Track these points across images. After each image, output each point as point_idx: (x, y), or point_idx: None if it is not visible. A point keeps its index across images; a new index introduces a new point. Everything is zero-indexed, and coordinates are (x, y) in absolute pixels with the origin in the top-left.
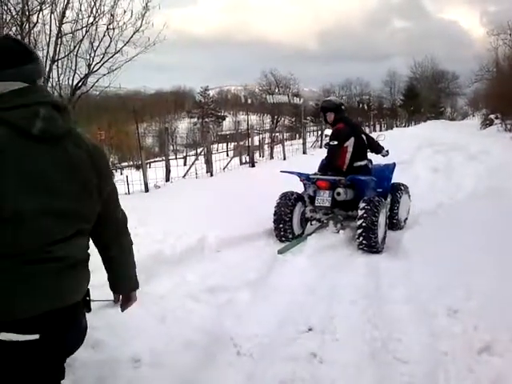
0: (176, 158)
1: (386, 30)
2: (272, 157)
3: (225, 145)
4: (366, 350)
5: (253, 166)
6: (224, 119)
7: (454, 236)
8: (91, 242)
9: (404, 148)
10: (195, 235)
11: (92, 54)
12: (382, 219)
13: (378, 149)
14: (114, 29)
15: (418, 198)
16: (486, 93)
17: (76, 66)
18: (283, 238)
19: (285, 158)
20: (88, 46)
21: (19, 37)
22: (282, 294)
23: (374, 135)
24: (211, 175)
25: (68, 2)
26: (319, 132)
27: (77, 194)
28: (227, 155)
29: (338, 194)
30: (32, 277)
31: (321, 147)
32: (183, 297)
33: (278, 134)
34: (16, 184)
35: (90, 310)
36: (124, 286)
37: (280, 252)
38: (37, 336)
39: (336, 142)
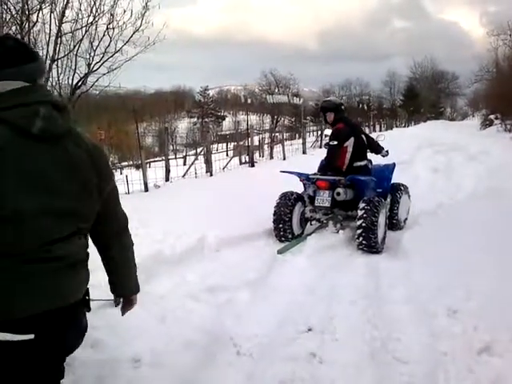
0: (176, 158)
1: (386, 30)
2: (272, 157)
3: (224, 145)
4: (365, 350)
5: (252, 165)
6: (224, 119)
7: (453, 236)
8: (91, 243)
9: (404, 148)
10: (195, 235)
11: (92, 54)
12: (381, 219)
13: (377, 149)
14: (113, 28)
15: (418, 199)
16: (486, 93)
17: (76, 65)
18: (283, 238)
19: (284, 158)
20: (88, 45)
21: (19, 36)
22: (281, 294)
23: (373, 135)
24: (211, 175)
25: (68, 2)
26: (319, 132)
27: (77, 193)
28: (227, 155)
29: (338, 194)
30: (31, 276)
31: (320, 147)
32: (183, 297)
33: (277, 133)
34: (16, 183)
35: (89, 309)
36: (125, 289)
37: (279, 252)
38: (32, 336)
39: (336, 142)
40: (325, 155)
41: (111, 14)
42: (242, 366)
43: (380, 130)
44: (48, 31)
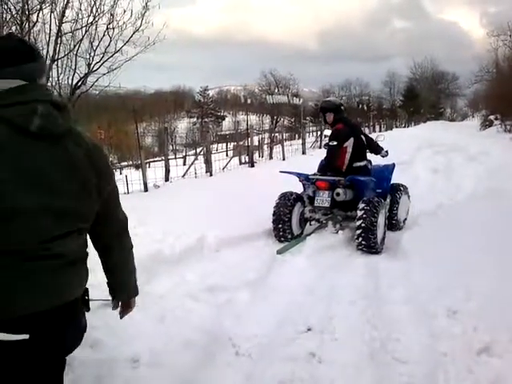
0: (175, 158)
1: (386, 31)
2: (271, 157)
3: (224, 145)
4: (364, 350)
5: (252, 166)
6: (223, 119)
7: (453, 237)
8: (90, 243)
9: (403, 149)
10: (194, 235)
11: (92, 54)
12: (381, 220)
13: (377, 149)
14: (113, 28)
15: (418, 199)
16: (486, 94)
17: (76, 65)
18: (282, 239)
19: (284, 159)
20: (88, 45)
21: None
22: (281, 294)
23: (373, 136)
24: (210, 175)
25: (68, 2)
26: (318, 132)
27: (76, 193)
28: (226, 155)
29: (338, 194)
30: (32, 274)
31: (320, 147)
32: (182, 296)
33: (277, 134)
34: (14, 181)
35: (88, 309)
36: (124, 292)
37: (279, 252)
38: (26, 336)
39: (335, 143)
40: (324, 155)
41: (111, 14)
42: (241, 366)
43: (380, 131)
44: (48, 31)
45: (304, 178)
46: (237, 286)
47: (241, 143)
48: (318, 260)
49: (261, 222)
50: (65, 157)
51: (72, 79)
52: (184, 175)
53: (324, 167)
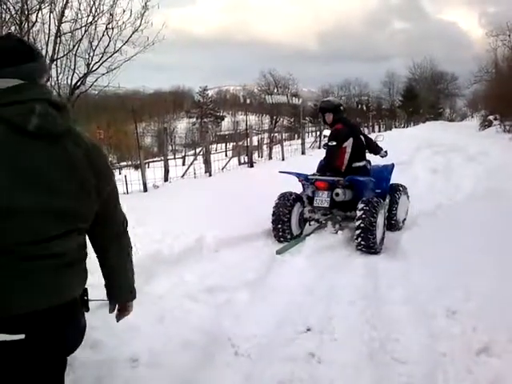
0: (175, 158)
1: (386, 31)
2: (271, 157)
3: (223, 145)
4: (364, 351)
5: (251, 166)
6: (223, 119)
7: (452, 237)
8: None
9: (403, 149)
10: (194, 235)
11: (91, 54)
12: (380, 220)
13: (376, 149)
14: (113, 28)
15: (417, 199)
16: (485, 94)
17: (75, 65)
18: (282, 239)
19: (283, 159)
20: (87, 45)
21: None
22: (280, 295)
23: (372, 136)
24: (210, 175)
25: (67, 2)
26: (318, 132)
27: (75, 193)
28: (226, 155)
29: (337, 194)
30: (30, 273)
31: (319, 148)
32: (181, 297)
33: (276, 134)
34: (11, 180)
35: (88, 309)
36: (121, 295)
37: (278, 252)
38: (23, 336)
39: (335, 143)
40: (324, 156)
41: (110, 14)
42: (240, 366)
43: (379, 131)
44: (47, 31)
45: (303, 178)
46: (236, 287)
47: (240, 143)
48: (318, 260)
49: (260, 222)
50: (63, 156)
51: (71, 79)
52: (183, 175)
53: (323, 167)
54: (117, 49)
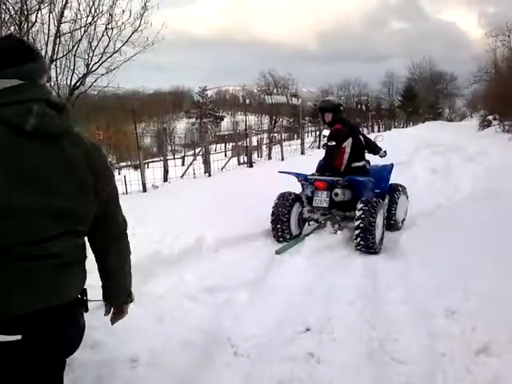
0: (174, 158)
1: (385, 31)
2: (270, 157)
3: (223, 145)
4: (363, 351)
5: (251, 166)
6: (222, 119)
7: (451, 237)
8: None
9: (402, 149)
10: (193, 235)
11: (90, 54)
12: (379, 220)
13: (375, 150)
14: (112, 28)
15: (416, 199)
16: (485, 94)
17: (74, 65)
18: (281, 239)
19: (283, 159)
20: (86, 45)
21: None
22: (279, 295)
23: (372, 136)
24: (209, 175)
25: (67, 2)
26: (317, 132)
27: (73, 193)
28: (225, 155)
29: (336, 194)
30: (28, 273)
31: (319, 148)
32: (181, 297)
33: (276, 134)
34: (9, 180)
35: (87, 310)
36: (117, 297)
37: (278, 252)
38: (19, 337)
39: (334, 143)
40: (323, 156)
41: (110, 15)
42: (239, 366)
43: (378, 131)
44: (47, 31)
45: (303, 178)
46: (235, 287)
47: (239, 143)
48: (317, 260)
49: (259, 222)
50: (61, 157)
51: (71, 79)
52: (183, 175)
53: (322, 167)
54: (116, 49)
